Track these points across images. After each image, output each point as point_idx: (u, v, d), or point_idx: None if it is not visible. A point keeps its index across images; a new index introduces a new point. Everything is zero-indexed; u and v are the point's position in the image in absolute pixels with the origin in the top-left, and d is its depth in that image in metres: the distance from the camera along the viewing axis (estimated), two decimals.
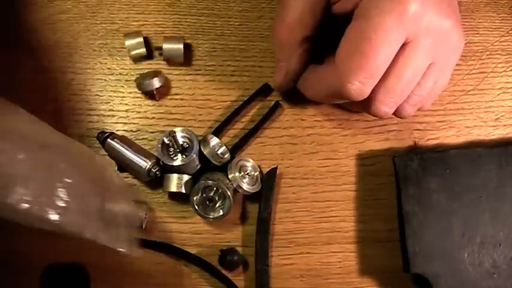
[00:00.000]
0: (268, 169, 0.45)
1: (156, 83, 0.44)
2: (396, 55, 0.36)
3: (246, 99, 0.46)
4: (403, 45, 0.36)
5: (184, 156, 0.43)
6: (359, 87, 0.36)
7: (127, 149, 0.43)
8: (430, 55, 0.37)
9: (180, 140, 0.43)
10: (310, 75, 0.42)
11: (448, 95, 0.47)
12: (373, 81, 0.36)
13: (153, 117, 0.46)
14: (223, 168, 0.44)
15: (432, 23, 0.35)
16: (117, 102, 0.47)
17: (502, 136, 0.47)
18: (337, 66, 0.37)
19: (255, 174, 0.45)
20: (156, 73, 0.45)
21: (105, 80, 0.47)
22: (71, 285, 0.43)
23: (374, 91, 0.37)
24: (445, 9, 0.36)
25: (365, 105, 0.39)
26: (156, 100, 0.46)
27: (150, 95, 0.46)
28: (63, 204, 0.33)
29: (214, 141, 0.43)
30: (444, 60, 0.38)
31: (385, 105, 0.38)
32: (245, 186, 0.44)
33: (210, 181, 0.42)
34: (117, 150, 0.43)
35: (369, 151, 0.46)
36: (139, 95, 0.47)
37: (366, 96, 0.37)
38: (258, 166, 0.46)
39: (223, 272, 0.44)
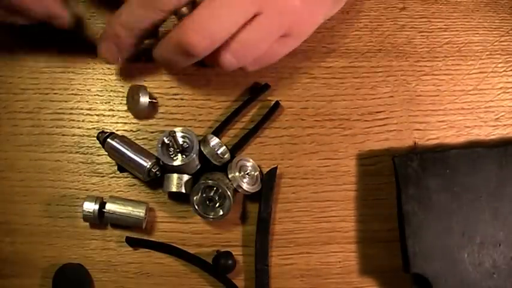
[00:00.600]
0: (268, 169, 0.45)
1: (144, 101, 0.45)
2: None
3: (246, 99, 0.46)
4: (254, 16, 0.38)
5: (184, 156, 0.43)
6: (202, 39, 0.37)
7: (127, 149, 0.43)
8: (280, 31, 0.40)
9: (180, 140, 0.43)
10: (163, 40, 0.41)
11: (448, 95, 0.47)
12: (212, 42, 0.38)
13: (153, 117, 0.46)
14: (223, 168, 0.44)
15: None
16: (117, 102, 0.47)
17: (501, 136, 0.47)
18: (188, 20, 0.38)
19: (255, 174, 0.45)
20: (138, 90, 0.45)
21: (105, 80, 0.47)
22: (72, 285, 0.43)
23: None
24: None
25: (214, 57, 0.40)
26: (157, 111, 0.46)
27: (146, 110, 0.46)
28: None
29: (214, 141, 0.43)
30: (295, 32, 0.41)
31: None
32: (245, 186, 0.44)
33: (210, 181, 0.42)
34: (117, 150, 0.43)
35: (369, 151, 0.46)
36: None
37: (202, 53, 0.38)
38: (258, 166, 0.46)
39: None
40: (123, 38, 0.41)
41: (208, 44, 0.38)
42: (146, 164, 0.42)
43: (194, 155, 0.42)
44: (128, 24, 0.40)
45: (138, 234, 0.44)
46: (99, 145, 0.44)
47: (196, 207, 0.43)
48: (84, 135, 0.46)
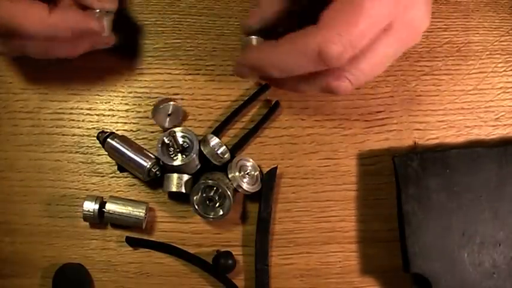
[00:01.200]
0: (268, 169, 0.45)
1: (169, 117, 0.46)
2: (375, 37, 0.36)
3: (246, 99, 0.46)
4: (384, 30, 0.36)
5: (184, 156, 0.43)
6: (340, 50, 0.34)
7: (127, 149, 0.43)
8: (400, 48, 0.38)
9: (180, 140, 0.43)
10: (283, 43, 0.37)
11: (448, 95, 0.47)
12: (353, 51, 0.35)
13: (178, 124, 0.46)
14: (223, 168, 0.44)
15: (415, 17, 0.36)
16: (117, 102, 0.47)
17: (501, 136, 0.47)
18: (321, 27, 0.35)
19: (255, 174, 0.45)
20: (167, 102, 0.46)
21: (105, 79, 0.47)
22: (72, 285, 0.43)
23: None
24: (429, 9, 0.37)
25: (324, 81, 0.38)
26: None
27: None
28: None
29: (214, 141, 0.43)
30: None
31: (347, 82, 0.37)
32: (245, 186, 0.44)
33: (210, 181, 0.42)
34: (117, 150, 0.43)
35: (369, 151, 0.46)
36: (139, 95, 0.47)
37: (341, 64, 0.36)
38: (258, 166, 0.46)
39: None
40: (268, 74, 0.38)
41: (350, 54, 0.35)
42: (146, 163, 0.42)
43: (194, 155, 0.42)
44: (279, 67, 0.37)
45: (138, 234, 0.44)
46: (99, 145, 0.44)
47: (196, 207, 0.43)
48: (84, 135, 0.46)
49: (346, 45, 0.34)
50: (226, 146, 0.44)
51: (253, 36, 0.41)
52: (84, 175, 0.45)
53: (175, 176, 0.43)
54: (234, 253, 0.44)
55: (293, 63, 0.36)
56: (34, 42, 0.39)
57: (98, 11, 0.41)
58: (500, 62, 0.48)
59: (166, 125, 0.45)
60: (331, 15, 0.35)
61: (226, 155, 0.44)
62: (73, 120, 0.46)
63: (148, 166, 0.42)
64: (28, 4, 0.37)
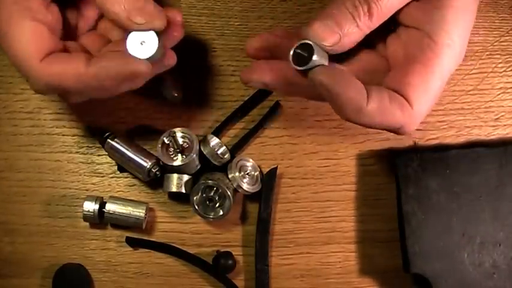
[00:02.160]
0: (268, 169, 0.45)
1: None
2: None
3: (246, 99, 0.46)
4: None
5: (184, 156, 0.43)
6: (415, 128, 0.36)
7: (127, 149, 0.43)
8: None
9: (180, 140, 0.43)
10: (372, 99, 0.34)
11: (448, 95, 0.47)
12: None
13: (153, 117, 0.46)
14: (223, 168, 0.44)
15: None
16: (117, 102, 0.46)
17: (501, 136, 0.47)
18: (411, 106, 0.35)
19: (255, 174, 0.45)
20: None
21: None
22: (72, 285, 0.43)
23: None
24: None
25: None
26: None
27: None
28: None
29: (214, 141, 0.43)
30: None
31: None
32: (245, 186, 0.44)
33: (210, 181, 0.42)
34: (117, 150, 0.43)
35: (369, 151, 0.46)
36: (139, 95, 0.47)
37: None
38: (258, 166, 0.46)
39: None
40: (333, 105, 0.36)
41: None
42: (146, 164, 0.42)
43: (194, 155, 0.42)
44: (357, 113, 0.35)
45: (138, 234, 0.44)
46: (99, 145, 0.44)
47: (196, 207, 0.43)
48: (84, 135, 0.46)
49: (421, 120, 0.36)
50: (226, 146, 0.44)
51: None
52: (84, 175, 0.45)
53: (175, 176, 0.43)
54: (234, 253, 0.44)
55: (372, 124, 0.36)
56: (81, 95, 0.37)
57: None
58: (500, 62, 0.48)
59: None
60: (417, 91, 0.35)
61: (226, 155, 0.44)
62: (73, 120, 0.46)
63: (148, 166, 0.42)
64: (64, 61, 0.35)
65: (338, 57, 0.37)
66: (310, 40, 0.34)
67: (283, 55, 0.36)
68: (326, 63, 0.35)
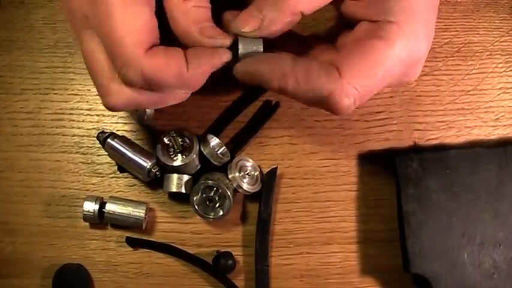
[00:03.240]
0: (268, 169, 0.45)
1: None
2: None
3: (243, 96, 0.46)
4: None
5: (184, 156, 0.43)
6: (351, 104, 0.36)
7: (127, 149, 0.43)
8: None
9: (180, 140, 0.43)
10: (300, 69, 0.36)
11: (448, 95, 0.47)
12: (361, 102, 0.36)
13: (153, 117, 0.46)
14: (223, 168, 0.44)
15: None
16: None
17: (502, 136, 0.47)
18: (341, 76, 0.35)
19: (255, 174, 0.45)
20: None
21: None
22: (72, 285, 0.43)
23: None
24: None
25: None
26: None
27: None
28: None
29: (214, 141, 0.43)
30: None
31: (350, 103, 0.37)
32: (245, 186, 0.44)
33: (210, 181, 0.42)
34: (117, 150, 0.43)
35: (369, 151, 0.46)
36: None
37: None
38: (258, 166, 0.46)
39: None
40: (267, 84, 0.37)
41: (357, 105, 0.36)
42: (146, 164, 0.42)
43: (194, 155, 0.42)
44: (283, 86, 0.36)
45: (138, 235, 0.44)
46: (99, 145, 0.44)
47: (196, 207, 0.43)
48: (84, 136, 0.46)
49: (357, 99, 0.36)
50: (226, 147, 0.44)
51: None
52: (84, 175, 0.45)
53: (175, 176, 0.43)
54: (234, 253, 0.44)
55: (300, 91, 0.36)
56: (173, 93, 0.37)
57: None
58: (500, 63, 0.48)
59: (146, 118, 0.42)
60: (351, 63, 0.35)
61: (226, 156, 0.44)
62: (73, 120, 0.46)
63: (148, 166, 0.42)
64: (164, 57, 0.34)
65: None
66: (236, 34, 0.36)
67: None
68: (260, 50, 0.36)
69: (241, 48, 0.36)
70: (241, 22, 0.36)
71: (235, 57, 0.36)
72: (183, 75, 0.34)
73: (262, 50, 0.36)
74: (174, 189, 0.43)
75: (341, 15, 0.39)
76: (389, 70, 0.36)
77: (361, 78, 0.35)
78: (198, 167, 0.44)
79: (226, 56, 0.36)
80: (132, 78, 0.34)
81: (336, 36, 0.40)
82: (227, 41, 0.36)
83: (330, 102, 0.35)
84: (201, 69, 0.35)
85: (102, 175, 0.45)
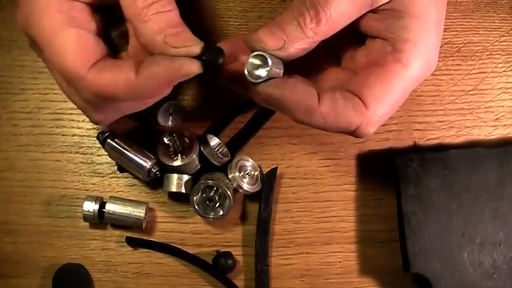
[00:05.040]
0: (268, 169, 0.45)
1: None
2: None
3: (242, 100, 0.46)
4: None
5: (184, 156, 0.43)
6: (374, 130, 0.36)
7: (127, 149, 0.43)
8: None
9: (180, 141, 0.43)
10: (324, 103, 0.34)
11: (448, 95, 0.47)
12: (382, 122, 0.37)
13: (154, 118, 0.46)
14: (223, 168, 0.44)
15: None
16: None
17: (501, 136, 0.47)
18: (367, 107, 0.35)
19: (255, 174, 0.45)
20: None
21: None
22: (72, 285, 0.43)
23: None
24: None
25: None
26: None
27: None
28: None
29: (214, 141, 0.43)
30: None
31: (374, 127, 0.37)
32: (245, 186, 0.44)
33: (210, 181, 0.42)
34: (117, 150, 0.43)
35: (369, 151, 0.46)
36: None
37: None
38: (258, 166, 0.46)
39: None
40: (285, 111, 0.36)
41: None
42: (146, 164, 0.42)
43: (194, 155, 0.42)
44: (309, 119, 0.35)
45: (138, 234, 0.44)
46: (99, 145, 0.44)
47: (196, 207, 0.43)
48: (84, 135, 0.46)
49: (380, 123, 0.36)
50: (226, 146, 0.44)
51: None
52: (84, 175, 0.45)
53: (175, 176, 0.43)
54: (234, 253, 0.44)
55: (326, 126, 0.35)
56: (128, 104, 0.36)
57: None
58: (500, 63, 0.48)
59: (169, 124, 0.44)
60: (374, 93, 0.35)
61: (226, 155, 0.44)
62: (73, 120, 0.46)
63: (148, 166, 0.42)
64: (113, 69, 0.33)
65: (305, 75, 0.37)
66: (261, 51, 0.33)
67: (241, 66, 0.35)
68: (281, 73, 0.34)
69: (268, 69, 0.33)
70: (263, 39, 0.34)
71: (207, 66, 0.33)
72: (132, 84, 0.33)
73: (282, 70, 0.34)
74: (174, 189, 0.43)
75: (351, 29, 0.37)
76: (407, 91, 0.36)
77: (384, 106, 0.35)
78: (198, 167, 0.44)
79: (189, 67, 0.33)
80: (86, 96, 0.34)
81: (343, 50, 0.39)
82: (194, 49, 0.33)
83: (357, 133, 0.36)
84: (152, 78, 0.33)
85: (102, 175, 0.45)
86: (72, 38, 0.33)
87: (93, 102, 0.35)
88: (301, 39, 0.34)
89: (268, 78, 0.33)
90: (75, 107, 0.46)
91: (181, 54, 0.33)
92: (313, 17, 0.33)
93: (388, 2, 0.35)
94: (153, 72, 0.33)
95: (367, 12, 0.36)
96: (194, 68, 0.33)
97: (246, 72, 0.33)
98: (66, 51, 0.33)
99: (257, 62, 0.33)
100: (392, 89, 0.35)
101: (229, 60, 0.36)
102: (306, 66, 0.38)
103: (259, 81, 0.33)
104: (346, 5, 0.34)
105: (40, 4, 0.33)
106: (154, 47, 0.33)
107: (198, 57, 0.33)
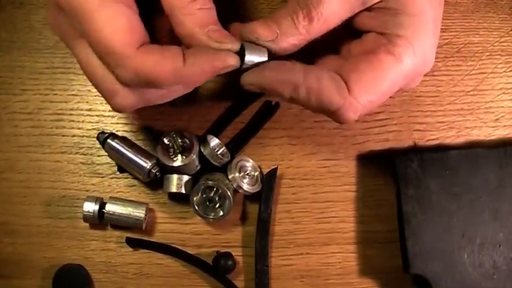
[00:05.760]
0: (268, 169, 0.45)
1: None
2: None
3: (244, 99, 0.46)
4: None
5: (184, 157, 0.43)
6: (355, 117, 0.37)
7: (127, 150, 0.43)
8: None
9: (180, 141, 0.43)
10: (309, 78, 0.36)
11: (448, 95, 0.47)
12: (365, 113, 0.38)
13: (153, 118, 0.46)
14: (223, 168, 0.44)
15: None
16: None
17: (501, 137, 0.47)
18: (350, 92, 0.36)
19: (255, 174, 0.45)
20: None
21: None
22: (72, 286, 0.43)
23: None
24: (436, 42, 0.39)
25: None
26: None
27: None
28: None
29: (214, 141, 0.43)
30: None
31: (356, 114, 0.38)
32: (245, 187, 0.44)
33: (210, 181, 0.42)
34: (117, 150, 0.43)
35: (369, 151, 0.46)
36: None
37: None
38: (258, 166, 0.46)
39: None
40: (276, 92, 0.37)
41: (362, 115, 0.37)
42: (146, 164, 0.42)
43: (194, 156, 0.42)
44: (293, 95, 0.37)
45: (138, 235, 0.44)
46: (99, 146, 0.44)
47: (196, 207, 0.43)
48: (84, 136, 0.46)
49: (362, 112, 0.37)
50: (226, 147, 0.44)
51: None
52: (84, 176, 0.45)
53: (175, 176, 0.43)
54: (234, 254, 0.44)
55: (310, 102, 0.37)
56: (160, 92, 0.36)
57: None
58: (500, 63, 0.48)
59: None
60: (359, 77, 0.36)
61: (226, 156, 0.44)
62: (73, 121, 0.46)
63: (148, 167, 0.42)
64: (160, 54, 0.33)
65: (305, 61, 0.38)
66: (245, 40, 0.36)
67: None
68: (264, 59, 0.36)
69: (247, 55, 0.36)
70: (257, 30, 0.36)
71: (241, 64, 0.36)
72: (179, 70, 0.33)
73: (267, 58, 0.36)
74: (174, 189, 0.43)
75: (349, 25, 0.39)
76: (395, 85, 0.37)
77: (368, 94, 0.36)
78: (198, 167, 0.44)
79: (232, 60, 0.35)
80: (126, 77, 0.33)
81: (341, 43, 0.40)
82: (235, 46, 0.35)
83: (337, 115, 0.37)
84: (199, 67, 0.34)
85: (102, 175, 0.45)
86: (122, 14, 0.33)
87: (128, 85, 0.34)
88: (293, 34, 0.36)
89: (248, 64, 0.36)
90: (76, 107, 0.46)
91: (223, 48, 0.35)
92: (305, 15, 0.35)
93: (382, 1, 0.36)
94: (200, 60, 0.34)
95: (361, 10, 0.37)
96: (235, 61, 0.35)
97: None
98: (115, 27, 0.32)
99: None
100: (380, 79, 0.36)
101: None
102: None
103: (244, 67, 0.36)
104: (337, 5, 0.35)
105: None
106: (196, 39, 0.35)
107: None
